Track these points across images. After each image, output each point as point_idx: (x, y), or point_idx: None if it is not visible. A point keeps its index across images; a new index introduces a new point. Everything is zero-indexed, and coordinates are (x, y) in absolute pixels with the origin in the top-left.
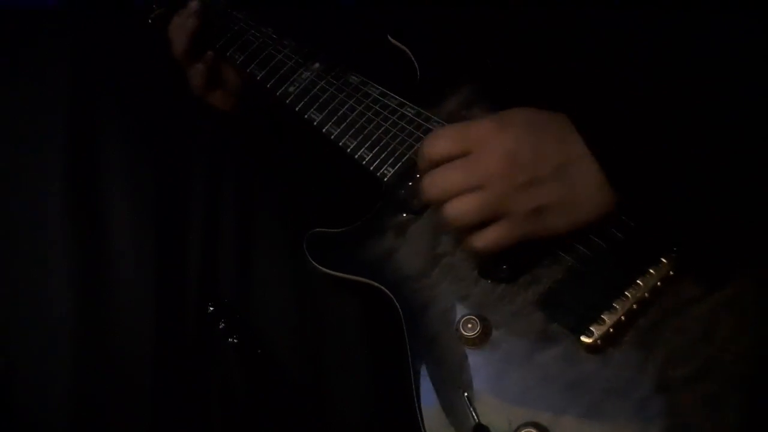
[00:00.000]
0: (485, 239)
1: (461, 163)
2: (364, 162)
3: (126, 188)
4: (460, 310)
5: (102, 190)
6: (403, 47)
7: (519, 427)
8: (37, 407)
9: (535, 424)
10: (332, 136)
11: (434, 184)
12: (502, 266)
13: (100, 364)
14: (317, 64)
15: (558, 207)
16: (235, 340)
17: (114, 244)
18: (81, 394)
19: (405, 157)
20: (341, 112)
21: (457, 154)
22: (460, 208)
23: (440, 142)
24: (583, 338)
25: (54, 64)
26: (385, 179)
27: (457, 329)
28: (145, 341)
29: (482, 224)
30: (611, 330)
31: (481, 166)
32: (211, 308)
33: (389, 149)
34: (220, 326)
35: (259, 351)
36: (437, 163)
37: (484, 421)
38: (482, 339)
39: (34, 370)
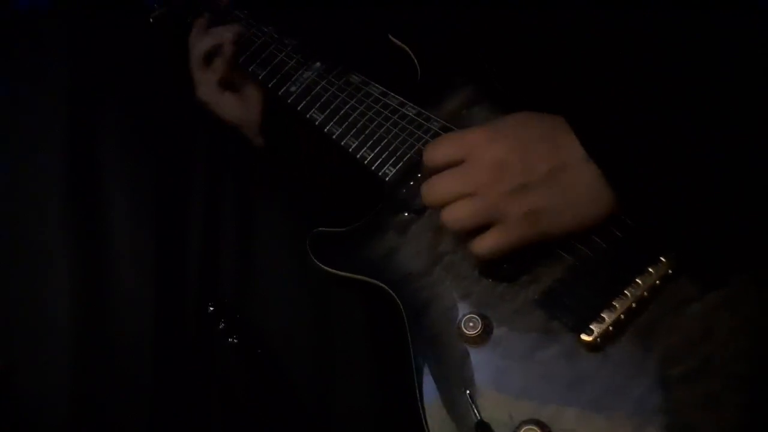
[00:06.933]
0: (484, 244)
1: (456, 170)
2: (365, 162)
3: (126, 188)
4: (462, 309)
5: (102, 189)
6: (403, 46)
7: (520, 424)
8: (37, 407)
9: (536, 421)
10: (334, 136)
11: (431, 190)
12: (503, 265)
13: (100, 365)
14: (318, 64)
15: (553, 210)
16: (235, 340)
17: (114, 244)
18: (81, 394)
19: (406, 157)
20: (343, 111)
21: (454, 161)
22: (454, 213)
23: (439, 150)
24: (584, 336)
25: (54, 64)
26: (387, 179)
27: (459, 327)
28: (145, 341)
29: (481, 230)
30: (611, 328)
31: (474, 173)
32: (211, 308)
33: (390, 149)
34: (220, 326)
35: (259, 351)
36: (437, 171)
37: (486, 418)
38: (483, 337)
39: (34, 370)
